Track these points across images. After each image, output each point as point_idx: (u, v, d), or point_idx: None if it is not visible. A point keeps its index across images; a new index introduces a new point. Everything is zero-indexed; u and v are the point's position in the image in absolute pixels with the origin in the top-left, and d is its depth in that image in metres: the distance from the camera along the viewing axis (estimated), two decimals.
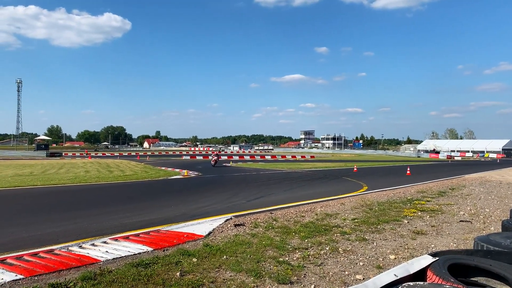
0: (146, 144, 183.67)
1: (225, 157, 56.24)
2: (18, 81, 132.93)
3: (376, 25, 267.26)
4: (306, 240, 6.93)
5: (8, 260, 5.66)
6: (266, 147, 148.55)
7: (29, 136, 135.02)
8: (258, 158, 56.09)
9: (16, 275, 4.97)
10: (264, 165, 37.70)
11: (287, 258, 5.80)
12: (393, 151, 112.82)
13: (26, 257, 5.83)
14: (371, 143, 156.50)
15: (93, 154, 71.27)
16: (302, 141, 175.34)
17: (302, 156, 62.05)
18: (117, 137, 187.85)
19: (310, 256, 5.92)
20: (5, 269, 5.23)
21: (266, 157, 59.36)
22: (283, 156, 61.49)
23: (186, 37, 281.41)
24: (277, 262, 5.58)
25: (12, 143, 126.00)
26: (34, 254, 5.99)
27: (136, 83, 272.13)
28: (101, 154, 71.04)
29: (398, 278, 2.51)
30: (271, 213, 9.76)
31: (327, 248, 6.39)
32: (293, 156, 62.00)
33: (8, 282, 4.76)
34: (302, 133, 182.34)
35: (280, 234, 7.42)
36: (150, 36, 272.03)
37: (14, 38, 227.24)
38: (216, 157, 35.54)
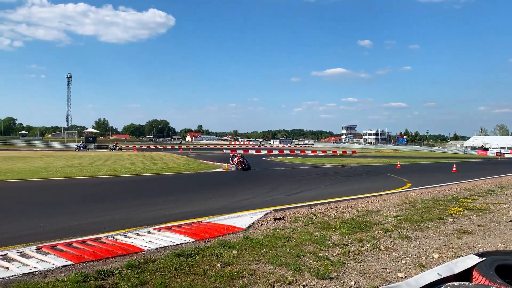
0: (188, 138, 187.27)
1: (265, 151, 56.35)
2: (68, 76, 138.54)
3: (422, 17, 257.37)
4: (346, 236, 6.87)
5: (59, 247, 5.97)
6: (306, 142, 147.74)
7: (78, 129, 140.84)
8: (298, 153, 55.82)
9: (66, 261, 5.24)
10: (304, 160, 37.51)
11: (326, 254, 5.77)
12: (439, 147, 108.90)
13: (75, 244, 6.13)
14: (415, 139, 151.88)
15: (144, 146, 73.71)
16: (344, 136, 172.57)
17: (343, 152, 61.16)
18: (161, 130, 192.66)
19: (350, 253, 5.86)
20: (56, 255, 5.52)
21: (306, 152, 58.94)
22: (323, 151, 60.84)
23: (227, 31, 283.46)
24: (317, 257, 5.57)
25: (63, 135, 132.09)
26: (83, 242, 6.28)
27: (180, 77, 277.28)
28: (145, 147, 73.07)
29: (441, 277, 2.45)
30: (310, 208, 9.73)
31: (368, 245, 6.30)
32: (334, 151, 61.20)
33: (59, 267, 5.03)
34: (343, 128, 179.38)
35: (319, 229, 7.39)
36: (193, 31, 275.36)
37: (64, 34, 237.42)
38: (239, 158, 24.13)
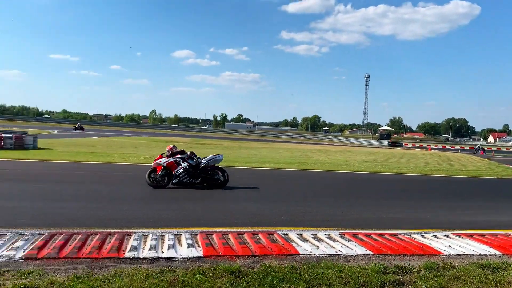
0: (490, 139, 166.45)
1: None
2: (366, 76, 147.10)
3: None
4: None
5: (359, 236, 6.43)
6: None
7: (373, 126, 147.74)
8: None
9: (366, 250, 5.60)
10: None
11: None
12: None
13: (374, 236, 6.46)
14: None
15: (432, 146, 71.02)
16: None
17: None
18: (458, 129, 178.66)
19: None
20: (357, 243, 5.97)
21: None
22: None
23: None
24: None
25: (359, 132, 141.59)
26: (380, 235, 6.55)
27: (483, 71, 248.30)
28: (440, 147, 69.60)
29: None
30: None
31: None
32: None
33: (360, 255, 5.43)
34: None
35: None
36: (501, 18, 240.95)
37: (364, 37, 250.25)
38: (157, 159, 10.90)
